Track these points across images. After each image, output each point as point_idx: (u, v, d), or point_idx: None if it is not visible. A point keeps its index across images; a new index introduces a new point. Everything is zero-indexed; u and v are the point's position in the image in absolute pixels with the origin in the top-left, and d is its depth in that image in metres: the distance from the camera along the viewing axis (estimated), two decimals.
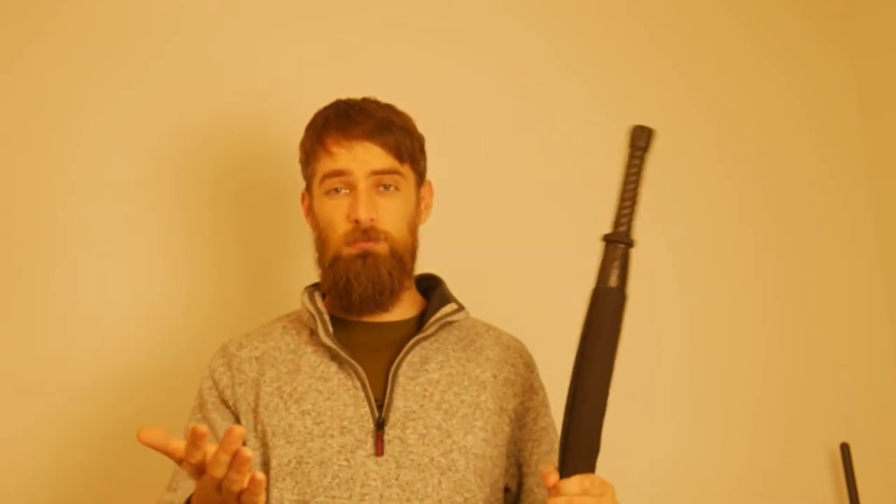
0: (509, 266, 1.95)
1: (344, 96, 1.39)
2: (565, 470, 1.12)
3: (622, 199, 1.15)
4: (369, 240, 1.28)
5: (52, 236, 1.68)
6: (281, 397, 1.27)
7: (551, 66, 2.05)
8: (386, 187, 1.31)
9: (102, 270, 1.70)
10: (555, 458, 1.36)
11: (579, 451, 1.14)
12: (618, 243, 1.15)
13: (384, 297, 1.30)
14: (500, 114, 1.99)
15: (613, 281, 1.13)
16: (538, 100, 2.03)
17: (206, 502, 1.04)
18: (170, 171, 1.75)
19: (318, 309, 1.32)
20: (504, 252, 1.96)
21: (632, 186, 1.15)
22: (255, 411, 1.28)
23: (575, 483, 1.11)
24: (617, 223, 1.15)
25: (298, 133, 1.41)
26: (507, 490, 1.35)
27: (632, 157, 1.16)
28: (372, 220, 1.28)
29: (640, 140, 1.15)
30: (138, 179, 1.74)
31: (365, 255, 1.28)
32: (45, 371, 1.63)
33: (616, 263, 1.14)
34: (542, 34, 2.05)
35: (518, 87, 2.01)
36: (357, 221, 1.28)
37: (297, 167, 1.44)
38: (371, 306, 1.31)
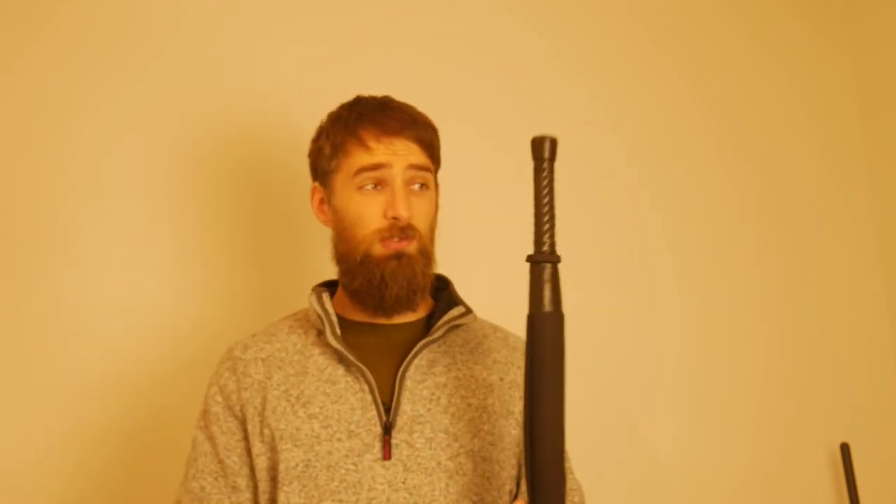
0: (510, 266, 1.95)
1: (345, 97, 1.38)
2: None
3: (540, 216, 1.10)
4: (405, 237, 1.27)
5: (52, 237, 1.67)
6: (288, 400, 1.27)
7: (551, 66, 2.05)
8: (419, 186, 1.30)
9: (104, 271, 1.69)
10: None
11: (546, 486, 1.10)
12: (544, 263, 1.10)
13: (416, 297, 1.30)
14: (500, 113, 1.99)
15: (547, 304, 1.09)
16: (538, 99, 2.03)
17: None
18: (172, 171, 1.75)
19: (325, 310, 1.31)
20: (505, 251, 1.95)
21: (546, 201, 1.10)
22: (262, 414, 1.26)
23: None
24: (539, 242, 1.10)
25: (301, 132, 1.40)
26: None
27: (538, 170, 1.12)
28: (410, 217, 1.27)
29: (544, 151, 1.11)
30: (140, 180, 1.73)
31: (399, 256, 1.27)
32: (51, 373, 1.62)
33: (547, 285, 1.09)
34: (542, 34, 2.05)
35: (518, 87, 2.01)
36: (395, 218, 1.26)
37: (301, 166, 1.42)
38: (403, 306, 1.30)
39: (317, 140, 1.36)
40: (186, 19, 1.80)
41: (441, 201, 1.43)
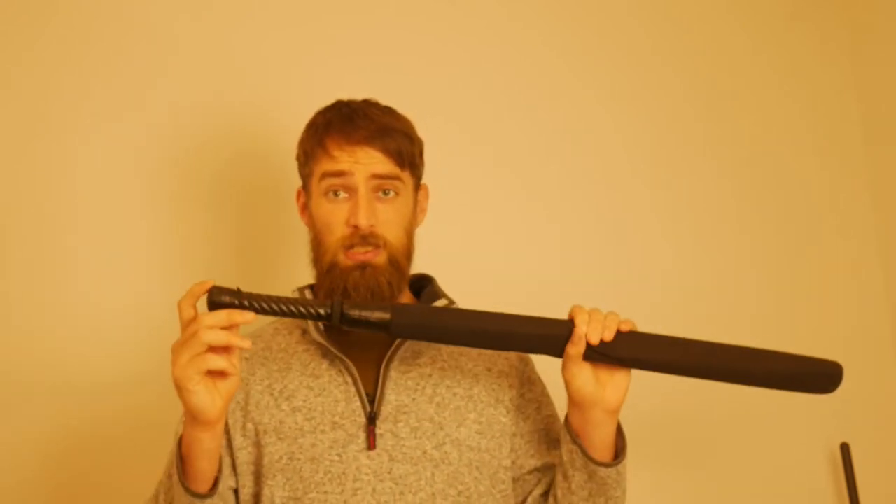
0: (507, 267, 1.95)
1: (344, 97, 1.38)
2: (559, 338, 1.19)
3: (300, 313, 1.12)
4: (368, 246, 1.27)
5: (48, 235, 1.68)
6: (271, 395, 1.27)
7: (553, 71, 2.05)
8: (385, 193, 1.29)
9: (99, 270, 1.70)
10: (565, 448, 1.35)
11: (548, 331, 1.19)
12: (346, 316, 1.13)
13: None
14: (499, 116, 1.99)
15: (379, 315, 1.14)
16: (537, 100, 2.03)
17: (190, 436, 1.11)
18: (167, 171, 1.76)
19: None
20: (503, 253, 1.95)
21: (284, 308, 1.11)
22: (245, 409, 1.27)
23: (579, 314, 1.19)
24: (323, 315, 1.12)
25: (296, 132, 1.41)
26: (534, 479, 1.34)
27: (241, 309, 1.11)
28: (372, 226, 1.27)
29: (223, 299, 1.09)
30: (136, 180, 1.74)
31: (363, 266, 1.26)
32: (42, 371, 1.63)
33: (365, 313, 1.14)
34: (542, 35, 2.06)
35: (517, 90, 2.02)
36: (356, 227, 1.26)
37: (287, 164, 1.43)
38: None
39: (298, 146, 1.37)
40: (188, 18, 1.82)
41: (435, 201, 1.43)
